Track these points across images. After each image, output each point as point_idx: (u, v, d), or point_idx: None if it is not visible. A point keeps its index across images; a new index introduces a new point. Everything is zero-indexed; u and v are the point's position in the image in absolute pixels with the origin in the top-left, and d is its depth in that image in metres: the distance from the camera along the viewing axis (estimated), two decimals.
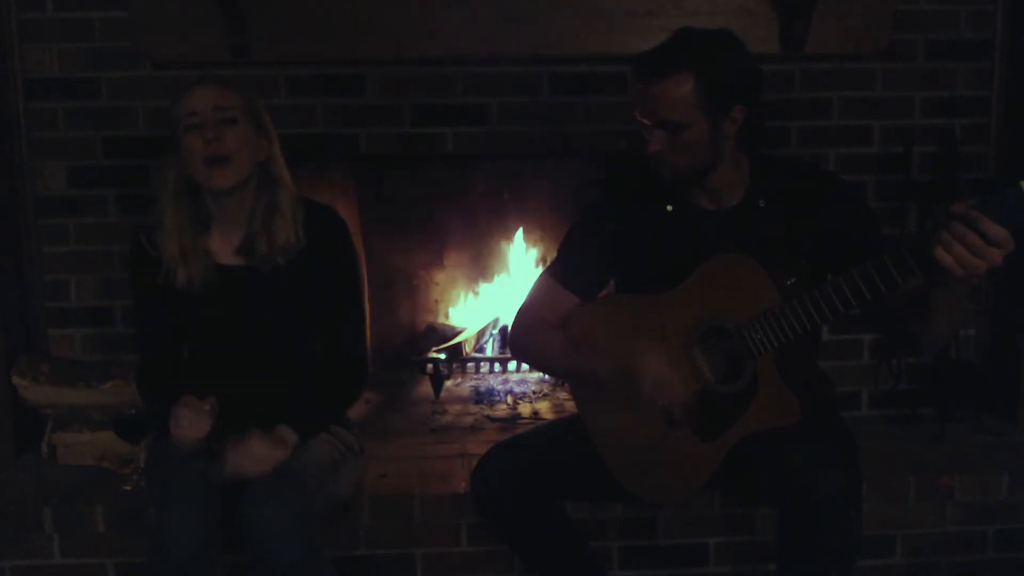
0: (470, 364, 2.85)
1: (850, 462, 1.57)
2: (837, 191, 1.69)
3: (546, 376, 2.78)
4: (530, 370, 2.86)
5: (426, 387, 2.76)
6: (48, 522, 2.00)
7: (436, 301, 3.05)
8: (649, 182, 1.75)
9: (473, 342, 2.88)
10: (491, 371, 2.88)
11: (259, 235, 1.75)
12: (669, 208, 1.72)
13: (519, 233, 2.97)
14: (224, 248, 1.79)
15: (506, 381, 2.86)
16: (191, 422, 1.64)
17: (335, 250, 1.83)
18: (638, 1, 2.29)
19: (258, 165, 1.76)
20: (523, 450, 1.77)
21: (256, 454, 1.63)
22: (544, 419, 2.54)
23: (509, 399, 2.74)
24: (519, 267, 2.98)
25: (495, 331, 2.97)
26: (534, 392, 2.80)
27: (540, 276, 1.84)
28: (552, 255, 1.85)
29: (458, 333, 2.88)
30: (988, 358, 2.57)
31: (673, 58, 1.56)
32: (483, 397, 2.77)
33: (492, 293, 3.02)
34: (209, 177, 1.70)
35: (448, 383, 2.79)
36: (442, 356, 2.74)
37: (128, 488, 2.09)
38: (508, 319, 2.92)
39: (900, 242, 1.42)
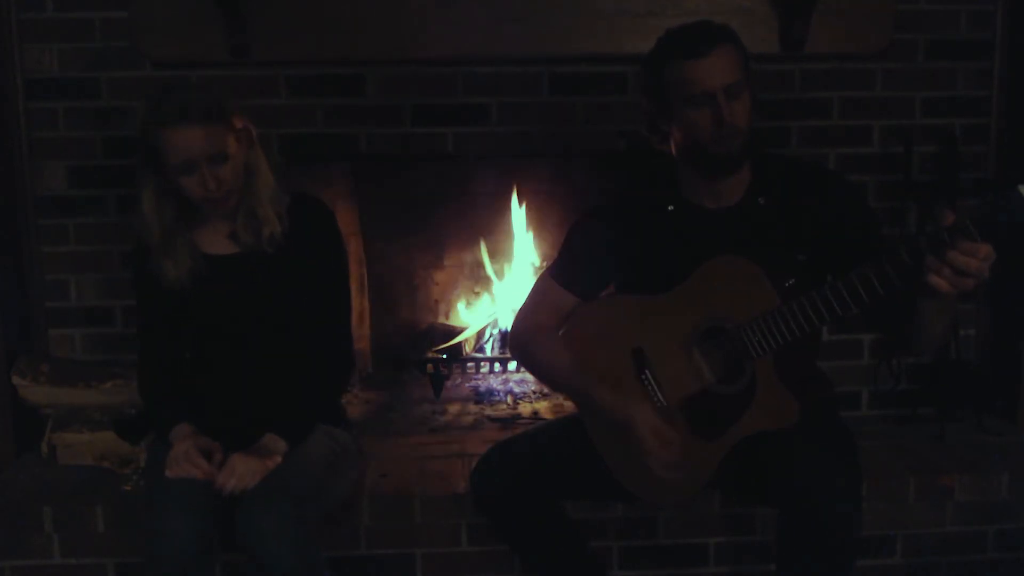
0: (470, 364, 2.85)
1: (850, 462, 1.57)
2: (837, 188, 1.69)
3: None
4: None
5: (426, 387, 2.76)
6: (48, 522, 2.00)
7: (436, 301, 3.05)
8: (652, 182, 1.74)
9: (473, 342, 2.88)
10: (491, 371, 2.88)
11: (243, 223, 1.77)
12: (670, 208, 1.72)
13: (519, 233, 2.96)
14: (217, 237, 1.81)
15: (506, 381, 2.86)
16: (184, 471, 1.65)
17: (321, 239, 1.84)
18: (638, 1, 2.29)
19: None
20: (523, 450, 1.77)
21: (239, 471, 1.63)
22: (544, 419, 2.55)
23: (509, 399, 2.74)
24: (519, 267, 2.97)
25: (495, 331, 2.97)
26: (534, 392, 2.80)
27: (540, 277, 1.83)
28: (552, 255, 1.85)
29: (458, 333, 2.88)
30: (988, 358, 2.57)
31: (714, 30, 1.59)
32: (483, 397, 2.77)
33: (492, 293, 3.02)
34: (213, 208, 1.75)
35: (448, 383, 2.79)
36: (442, 356, 2.74)
37: (128, 488, 2.10)
38: (508, 319, 2.93)
39: (898, 244, 1.42)
